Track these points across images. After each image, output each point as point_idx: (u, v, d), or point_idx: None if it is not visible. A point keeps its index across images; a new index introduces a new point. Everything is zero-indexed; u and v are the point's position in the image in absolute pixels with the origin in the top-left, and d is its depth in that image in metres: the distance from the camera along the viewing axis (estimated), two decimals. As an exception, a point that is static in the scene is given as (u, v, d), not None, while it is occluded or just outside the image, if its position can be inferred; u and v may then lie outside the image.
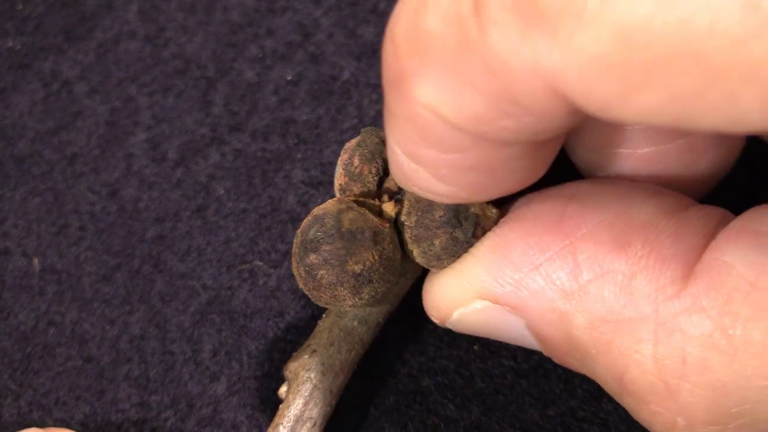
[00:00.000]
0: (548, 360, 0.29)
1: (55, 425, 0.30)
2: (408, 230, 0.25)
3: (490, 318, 0.24)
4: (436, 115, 0.19)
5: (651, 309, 0.21)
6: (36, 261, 0.32)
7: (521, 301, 0.23)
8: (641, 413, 0.22)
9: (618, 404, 0.28)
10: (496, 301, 0.23)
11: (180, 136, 0.33)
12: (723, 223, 0.22)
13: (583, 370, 0.23)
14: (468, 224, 0.24)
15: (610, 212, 0.22)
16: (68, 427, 0.29)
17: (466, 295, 0.24)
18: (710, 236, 0.21)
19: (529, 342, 0.24)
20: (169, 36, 0.35)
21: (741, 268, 0.20)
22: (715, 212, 0.23)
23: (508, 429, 0.28)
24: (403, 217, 0.25)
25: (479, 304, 0.24)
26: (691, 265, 0.21)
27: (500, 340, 0.24)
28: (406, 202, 0.25)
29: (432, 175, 0.22)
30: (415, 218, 0.25)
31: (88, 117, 0.34)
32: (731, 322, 0.20)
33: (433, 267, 0.25)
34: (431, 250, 0.25)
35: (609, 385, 0.22)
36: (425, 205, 0.24)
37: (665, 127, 0.17)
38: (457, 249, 0.24)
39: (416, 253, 0.25)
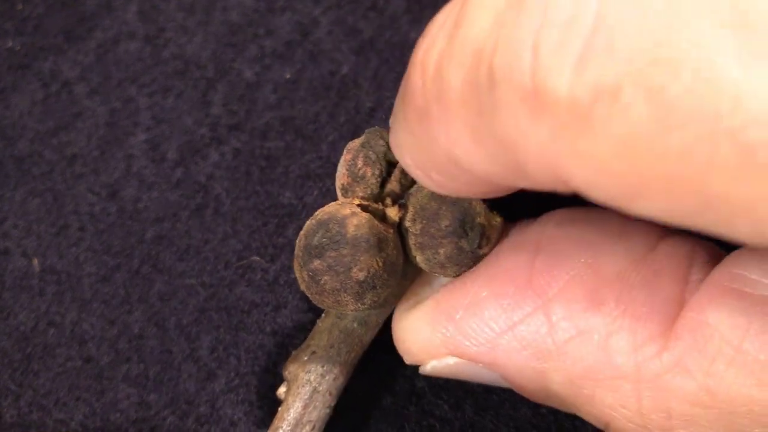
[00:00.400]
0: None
1: (54, 426, 0.30)
2: (412, 237, 0.25)
3: (464, 370, 0.24)
4: (453, 160, 0.20)
5: (632, 368, 0.21)
6: (36, 261, 0.32)
7: (496, 360, 0.23)
8: None
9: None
10: (469, 359, 0.23)
11: (179, 136, 0.33)
12: (694, 262, 0.22)
13: (567, 411, 0.23)
14: (474, 234, 0.24)
15: (579, 266, 0.22)
16: (68, 427, 0.30)
17: (439, 350, 0.24)
18: (684, 281, 0.21)
19: (506, 386, 0.24)
20: (169, 36, 0.35)
21: (725, 330, 0.20)
22: (683, 249, 0.22)
23: (502, 428, 0.28)
24: (407, 223, 0.25)
25: (452, 360, 0.24)
26: (668, 318, 0.21)
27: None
28: (410, 208, 0.25)
29: (435, 184, 0.22)
30: (420, 226, 0.25)
31: (88, 118, 0.34)
32: (716, 384, 0.20)
33: (436, 273, 0.25)
34: (435, 258, 0.25)
35: (595, 426, 0.23)
36: (431, 213, 0.24)
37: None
38: (462, 258, 0.24)
39: (420, 260, 0.25)
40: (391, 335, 0.29)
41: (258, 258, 0.31)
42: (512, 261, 0.23)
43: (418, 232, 0.25)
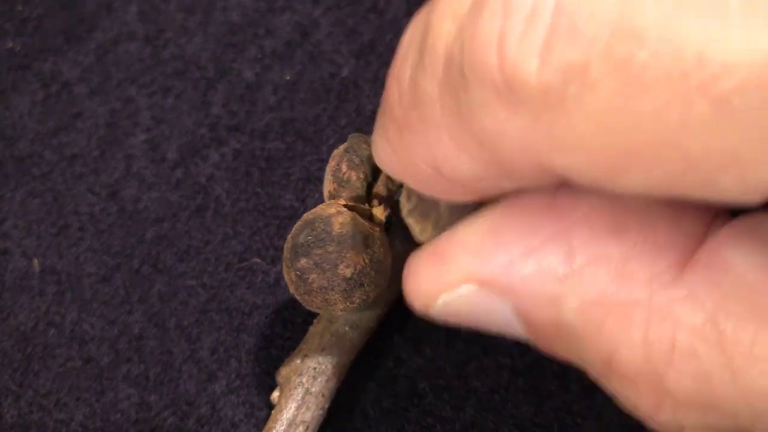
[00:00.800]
0: (544, 357, 0.28)
1: (55, 426, 0.30)
2: (413, 213, 0.25)
3: (476, 303, 0.24)
4: (435, 168, 0.20)
5: (645, 294, 0.21)
6: (36, 261, 0.32)
7: (511, 285, 0.23)
8: (628, 395, 0.22)
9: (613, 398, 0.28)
10: (484, 284, 0.23)
11: (179, 136, 0.33)
12: (720, 210, 0.22)
13: (569, 355, 0.23)
14: None
15: (602, 196, 0.22)
16: (68, 428, 0.30)
17: (453, 279, 0.24)
18: (707, 222, 0.21)
19: (515, 329, 0.24)
20: (169, 37, 0.35)
21: (742, 267, 0.20)
22: None
23: (503, 427, 0.28)
24: (403, 201, 0.25)
25: (465, 289, 0.24)
26: (687, 252, 0.21)
27: (485, 328, 0.24)
28: (404, 190, 0.25)
29: (421, 191, 0.22)
30: (416, 195, 0.25)
31: (88, 118, 0.34)
32: (724, 319, 0.20)
33: None
34: (440, 219, 0.24)
35: (596, 369, 0.22)
36: None
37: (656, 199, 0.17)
38: (465, 212, 0.24)
39: (429, 231, 0.25)
40: (392, 336, 0.29)
41: (259, 260, 0.31)
42: (531, 195, 0.23)
43: (415, 203, 0.25)
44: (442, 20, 0.18)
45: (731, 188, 0.16)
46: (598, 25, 0.16)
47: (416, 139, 0.20)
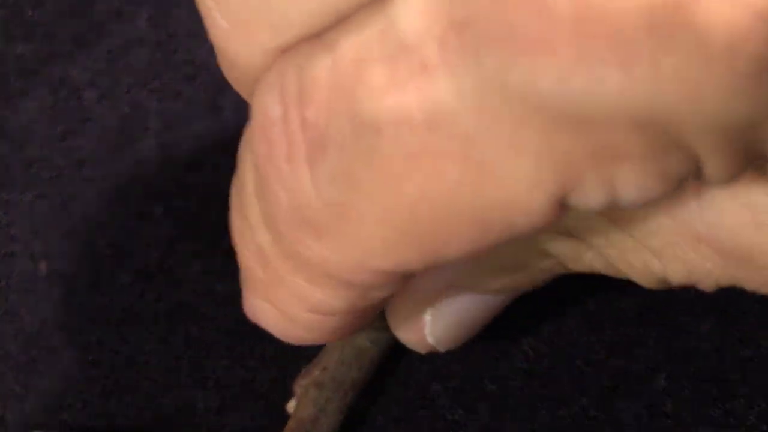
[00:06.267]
0: (561, 360, 0.28)
1: (60, 428, 0.29)
2: None
3: None
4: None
5: None
6: (42, 264, 0.32)
7: None
8: None
9: (631, 403, 0.27)
10: None
11: (189, 141, 0.33)
12: None
13: None
14: None
15: None
16: (71, 430, 0.29)
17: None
18: None
19: None
20: (180, 42, 0.35)
21: None
22: None
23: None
24: None
25: None
26: None
27: None
28: None
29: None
30: None
31: (98, 123, 0.34)
32: None
33: None
34: None
35: None
36: None
37: None
38: None
39: None
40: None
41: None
42: None
43: None
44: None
45: None
46: None
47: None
